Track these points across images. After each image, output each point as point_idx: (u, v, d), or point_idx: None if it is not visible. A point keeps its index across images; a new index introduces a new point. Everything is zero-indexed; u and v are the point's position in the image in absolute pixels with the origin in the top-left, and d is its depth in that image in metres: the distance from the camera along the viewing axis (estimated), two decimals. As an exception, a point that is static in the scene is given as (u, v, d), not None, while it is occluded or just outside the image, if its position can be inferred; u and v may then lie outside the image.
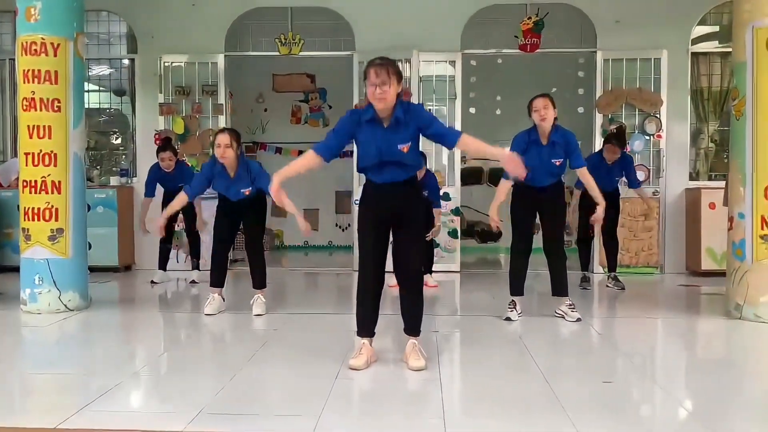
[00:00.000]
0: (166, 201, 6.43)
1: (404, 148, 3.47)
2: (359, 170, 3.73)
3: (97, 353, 4.21)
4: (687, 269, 7.44)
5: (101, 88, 8.80)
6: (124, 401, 3.22)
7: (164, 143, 6.66)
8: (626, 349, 4.20)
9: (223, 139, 4.87)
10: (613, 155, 6.15)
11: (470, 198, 9.52)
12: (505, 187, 4.83)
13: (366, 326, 3.74)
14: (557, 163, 4.77)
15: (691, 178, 7.62)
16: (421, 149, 4.09)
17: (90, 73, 8.49)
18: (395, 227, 3.65)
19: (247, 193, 4.96)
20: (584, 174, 4.90)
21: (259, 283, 5.21)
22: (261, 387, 3.44)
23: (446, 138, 3.64)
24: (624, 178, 6.34)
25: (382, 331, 3.89)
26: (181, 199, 5.12)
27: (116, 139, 8.93)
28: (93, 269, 7.01)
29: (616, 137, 6.31)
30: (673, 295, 6.30)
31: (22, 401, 3.30)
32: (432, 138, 3.67)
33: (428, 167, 6.34)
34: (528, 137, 4.79)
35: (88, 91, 8.47)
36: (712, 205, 6.90)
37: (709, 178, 7.70)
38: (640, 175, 7.38)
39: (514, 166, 3.49)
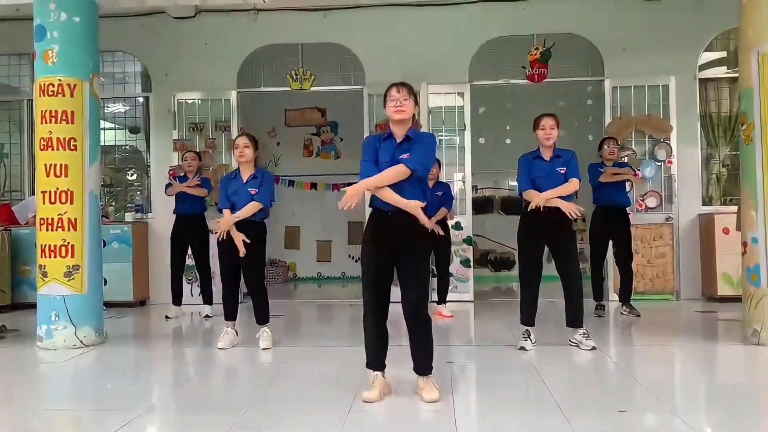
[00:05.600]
0: (180, 204, 6.69)
1: (405, 156, 3.62)
2: (372, 194, 3.72)
3: (111, 389, 4.22)
4: (703, 295, 7.36)
5: (116, 126, 8.96)
6: (139, 437, 3.23)
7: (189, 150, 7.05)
8: (642, 378, 4.15)
9: (242, 140, 5.17)
10: (612, 154, 6.35)
11: (482, 227, 9.55)
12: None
13: (375, 359, 3.72)
14: (562, 171, 4.84)
15: (704, 203, 7.60)
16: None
17: (105, 111, 8.68)
18: (398, 262, 3.65)
19: (253, 192, 5.06)
20: (573, 184, 4.82)
21: (262, 318, 5.23)
22: (273, 421, 3.43)
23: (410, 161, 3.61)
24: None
25: (396, 362, 3.87)
26: (226, 217, 5.10)
27: (132, 175, 9.07)
28: (108, 304, 7.07)
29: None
30: (689, 322, 6.23)
31: (37, 438, 3.31)
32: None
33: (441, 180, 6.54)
34: (531, 155, 4.97)
35: (104, 129, 8.64)
36: (726, 230, 6.86)
37: (723, 203, 7.67)
38: (652, 201, 7.41)
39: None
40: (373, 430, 3.29)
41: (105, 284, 6.17)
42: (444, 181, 6.82)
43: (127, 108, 8.85)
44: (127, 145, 9.05)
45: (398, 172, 3.56)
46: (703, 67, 7.64)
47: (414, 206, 3.56)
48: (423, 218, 3.60)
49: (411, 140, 3.67)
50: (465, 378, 4.27)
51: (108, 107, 8.74)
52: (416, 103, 3.73)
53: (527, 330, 4.95)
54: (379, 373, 3.71)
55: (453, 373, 4.22)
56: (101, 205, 5.95)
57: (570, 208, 4.70)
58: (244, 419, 3.36)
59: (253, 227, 5.10)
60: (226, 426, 3.24)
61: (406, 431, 3.23)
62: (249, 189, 5.08)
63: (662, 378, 4.31)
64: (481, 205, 9.61)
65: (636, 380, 4.13)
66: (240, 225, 5.04)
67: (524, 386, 4.00)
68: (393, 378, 3.81)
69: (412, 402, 3.61)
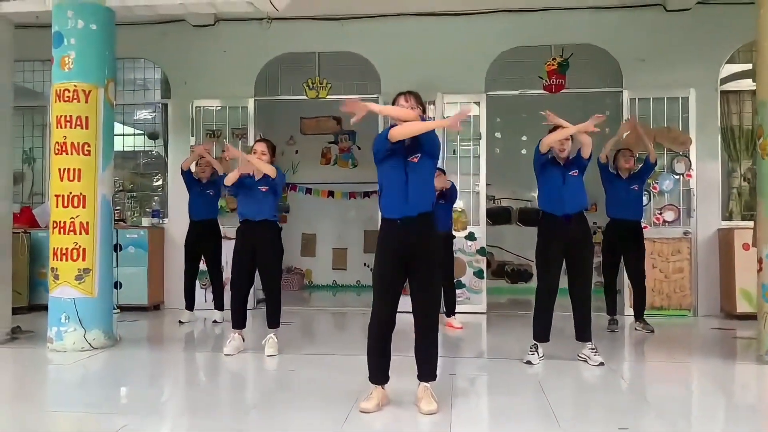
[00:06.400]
0: (193, 209, 6.73)
1: (414, 158, 3.64)
2: (381, 203, 3.75)
3: (116, 392, 4.26)
4: (721, 311, 7.19)
5: (136, 132, 9.10)
6: (134, 441, 3.24)
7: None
8: (649, 396, 4.07)
9: (260, 146, 5.28)
10: (627, 164, 6.32)
11: (500, 238, 9.46)
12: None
13: (378, 374, 3.68)
14: (574, 174, 4.86)
15: (725, 218, 7.44)
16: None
17: (132, 119, 8.87)
18: (410, 269, 3.63)
19: (264, 189, 5.16)
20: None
21: (273, 322, 5.25)
22: (271, 426, 3.43)
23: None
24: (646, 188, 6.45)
25: (397, 372, 3.83)
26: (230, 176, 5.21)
27: (156, 181, 9.19)
28: (123, 308, 7.19)
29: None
30: (704, 339, 6.10)
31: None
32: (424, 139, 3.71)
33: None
34: (547, 156, 4.93)
35: (123, 135, 8.80)
36: (745, 246, 6.68)
37: (744, 218, 7.49)
38: (670, 215, 7.28)
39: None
40: (367, 441, 3.27)
41: (120, 288, 6.25)
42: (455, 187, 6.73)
43: (153, 114, 8.99)
44: (152, 151, 9.19)
45: (409, 113, 3.66)
46: (726, 80, 7.50)
47: (436, 124, 3.75)
48: (447, 123, 3.84)
49: (417, 138, 3.66)
50: (466, 391, 4.22)
51: (134, 114, 8.91)
52: (424, 111, 3.74)
53: (535, 344, 4.88)
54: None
55: (454, 386, 4.17)
56: (118, 210, 6.02)
57: (589, 124, 4.72)
58: (243, 426, 3.36)
59: (269, 227, 5.20)
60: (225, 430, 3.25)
61: (400, 443, 3.19)
62: (260, 187, 5.18)
63: (670, 396, 4.19)
64: (499, 216, 9.53)
65: (643, 398, 4.04)
66: (255, 226, 5.14)
67: (526, 400, 3.93)
68: (392, 388, 3.77)
69: (410, 413, 3.57)
